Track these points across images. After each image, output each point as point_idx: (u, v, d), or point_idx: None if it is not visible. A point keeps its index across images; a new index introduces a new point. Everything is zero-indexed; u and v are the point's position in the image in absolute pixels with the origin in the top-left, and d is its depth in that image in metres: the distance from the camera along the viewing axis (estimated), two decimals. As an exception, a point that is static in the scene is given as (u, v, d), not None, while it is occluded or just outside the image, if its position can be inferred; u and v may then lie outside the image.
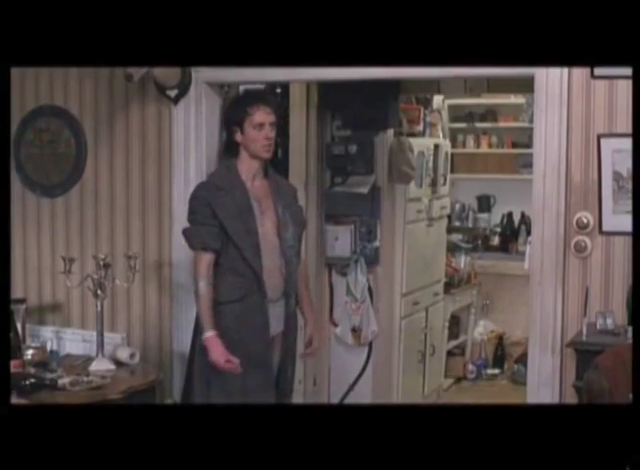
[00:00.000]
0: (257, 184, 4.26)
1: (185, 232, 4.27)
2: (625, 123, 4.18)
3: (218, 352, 4.08)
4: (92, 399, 4.05)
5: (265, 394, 4.18)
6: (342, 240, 6.26)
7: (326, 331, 6.36)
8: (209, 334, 4.10)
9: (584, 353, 4.03)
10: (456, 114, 8.44)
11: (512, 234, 8.33)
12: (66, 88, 5.44)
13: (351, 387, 6.34)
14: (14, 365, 4.16)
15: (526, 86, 4.52)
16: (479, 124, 8.55)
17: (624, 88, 4.18)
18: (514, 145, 8.44)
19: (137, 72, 4.81)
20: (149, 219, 5.25)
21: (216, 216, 4.12)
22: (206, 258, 4.15)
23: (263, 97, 4.39)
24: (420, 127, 6.85)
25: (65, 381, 4.20)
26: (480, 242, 8.31)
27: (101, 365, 4.53)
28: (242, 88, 5.11)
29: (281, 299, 4.24)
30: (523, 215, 8.18)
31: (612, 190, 4.26)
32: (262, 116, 4.19)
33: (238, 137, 4.22)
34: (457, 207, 8.47)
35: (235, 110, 4.29)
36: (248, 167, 4.23)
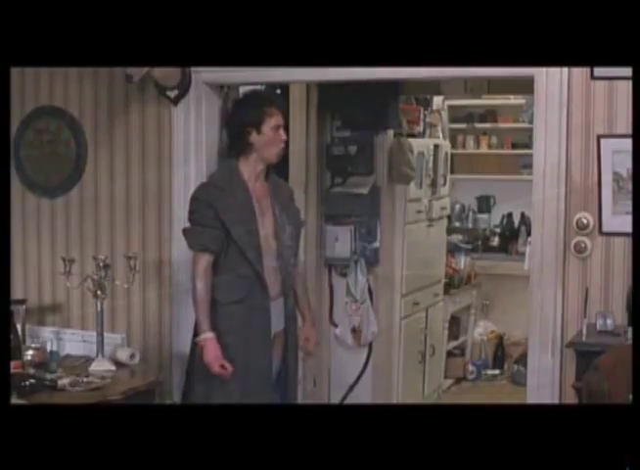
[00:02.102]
0: (258, 185, 4.25)
1: (185, 232, 4.27)
2: (625, 124, 4.18)
3: (214, 356, 4.09)
4: (92, 399, 4.04)
5: (265, 394, 4.18)
6: (341, 240, 6.26)
7: (326, 332, 6.36)
8: (207, 335, 4.10)
9: (584, 354, 4.03)
10: (456, 114, 8.44)
11: (512, 235, 8.33)
12: (65, 89, 5.44)
13: (351, 387, 6.34)
14: (14, 366, 4.15)
15: (526, 87, 4.52)
16: (478, 125, 8.55)
17: (624, 88, 4.18)
18: (514, 146, 8.45)
19: (137, 73, 4.80)
20: (149, 220, 5.25)
21: (218, 217, 4.12)
22: (205, 260, 4.14)
23: (277, 99, 4.40)
24: (420, 128, 6.86)
25: (64, 382, 4.20)
26: (479, 242, 8.32)
27: (101, 366, 4.53)
28: (246, 88, 5.09)
29: (279, 297, 4.24)
30: (522, 216, 8.19)
31: (612, 191, 4.26)
32: (279, 118, 4.19)
33: (253, 138, 4.17)
34: (457, 207, 8.47)
35: (251, 110, 4.20)
36: (252, 169, 4.22)
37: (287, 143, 4.35)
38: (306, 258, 5.86)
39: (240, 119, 4.24)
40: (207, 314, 4.11)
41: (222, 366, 4.09)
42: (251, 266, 4.11)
